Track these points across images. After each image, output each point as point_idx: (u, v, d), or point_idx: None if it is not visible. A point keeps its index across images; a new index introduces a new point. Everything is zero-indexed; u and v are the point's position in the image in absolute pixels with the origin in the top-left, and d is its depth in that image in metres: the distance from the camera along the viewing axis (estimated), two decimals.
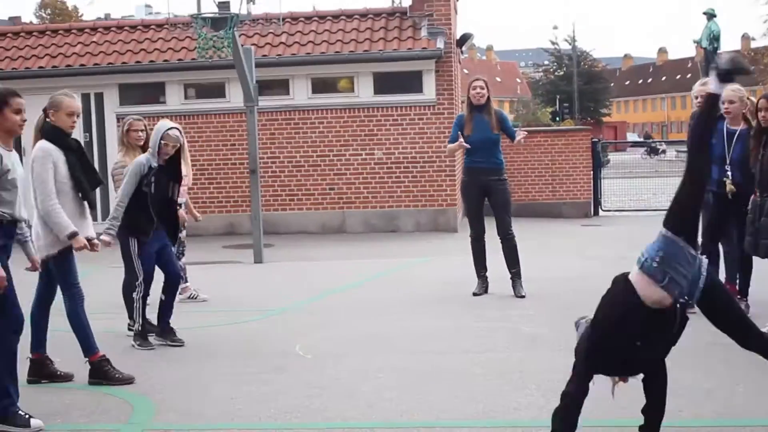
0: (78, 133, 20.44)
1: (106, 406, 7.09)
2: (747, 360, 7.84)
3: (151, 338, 9.32)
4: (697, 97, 10.49)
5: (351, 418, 6.60)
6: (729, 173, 9.57)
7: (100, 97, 20.67)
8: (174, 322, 10.25)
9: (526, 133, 11.88)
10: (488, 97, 11.73)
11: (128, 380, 7.77)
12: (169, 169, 9.20)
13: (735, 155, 9.57)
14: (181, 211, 10.77)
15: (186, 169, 11.42)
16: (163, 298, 9.37)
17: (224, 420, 6.64)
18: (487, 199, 11.72)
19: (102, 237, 8.51)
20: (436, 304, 11.11)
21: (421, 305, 11.12)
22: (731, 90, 9.69)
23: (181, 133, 9.39)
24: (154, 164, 9.08)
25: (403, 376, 7.72)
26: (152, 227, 9.11)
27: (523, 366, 7.92)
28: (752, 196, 8.98)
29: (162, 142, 9.04)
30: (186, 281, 11.79)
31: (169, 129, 9.10)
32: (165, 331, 9.37)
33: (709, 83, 6.05)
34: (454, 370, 7.87)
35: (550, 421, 5.43)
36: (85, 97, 20.58)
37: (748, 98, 9.64)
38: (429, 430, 6.27)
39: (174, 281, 9.48)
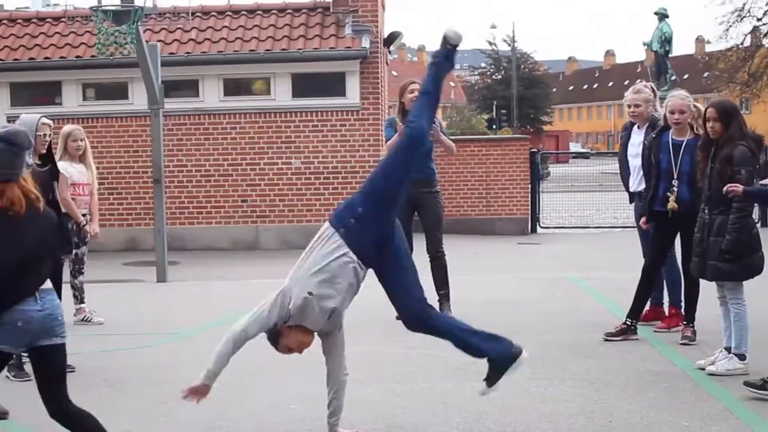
0: None
1: None
2: (694, 395, 8.00)
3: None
4: (629, 106, 10.72)
5: None
6: (675, 188, 9.73)
7: None
8: (68, 346, 10.16)
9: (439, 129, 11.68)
10: None
11: (1, 415, 7.66)
12: (48, 167, 9.12)
13: (684, 167, 9.70)
14: (86, 226, 10.74)
15: (90, 175, 11.45)
16: None
17: None
18: (417, 213, 11.70)
19: None
20: (355, 329, 11.06)
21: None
22: (680, 98, 9.89)
23: (81, 132, 9.50)
24: (30, 161, 8.99)
25: (318, 407, 7.72)
26: None
27: (447, 397, 7.97)
28: (700, 214, 9.10)
29: (38, 134, 8.98)
30: (82, 302, 11.71)
31: (40, 118, 9.10)
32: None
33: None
34: (374, 401, 7.90)
35: None
36: None
37: (694, 106, 9.80)
38: None
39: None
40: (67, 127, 11.70)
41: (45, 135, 9.16)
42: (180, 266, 17.41)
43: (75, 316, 11.68)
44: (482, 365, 9.05)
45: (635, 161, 10.80)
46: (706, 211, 8.89)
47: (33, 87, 20.74)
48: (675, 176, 9.78)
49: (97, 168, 19.74)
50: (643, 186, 10.53)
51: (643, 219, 10.45)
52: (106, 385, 8.67)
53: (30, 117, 9.19)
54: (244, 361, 9.47)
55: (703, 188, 9.06)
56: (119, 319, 12.08)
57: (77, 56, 20.28)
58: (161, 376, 8.93)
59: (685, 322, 10.15)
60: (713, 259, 8.76)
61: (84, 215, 11.38)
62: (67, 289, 11.55)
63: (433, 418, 7.40)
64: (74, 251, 11.27)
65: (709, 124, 8.86)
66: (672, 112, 9.89)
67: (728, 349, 8.78)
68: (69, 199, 11.08)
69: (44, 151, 9.20)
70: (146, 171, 19.51)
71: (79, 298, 11.71)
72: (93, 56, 19.05)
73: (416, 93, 11.51)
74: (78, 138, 11.47)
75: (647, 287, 10.31)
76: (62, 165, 11.10)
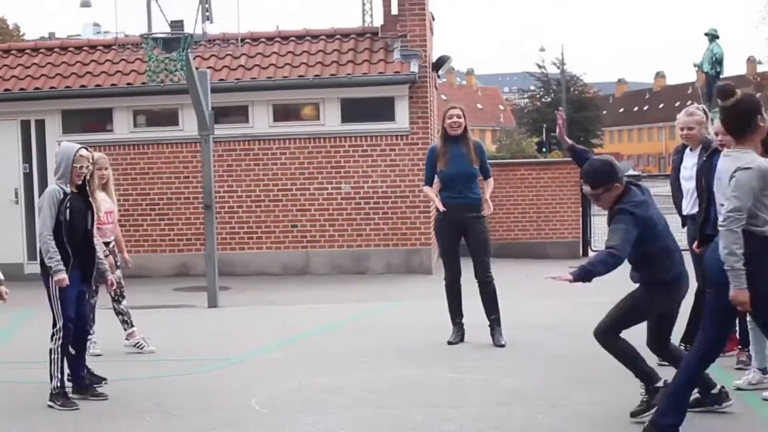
0: (16, 163, 20.45)
1: None
2: (751, 419, 7.89)
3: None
4: (683, 129, 10.60)
5: None
6: None
7: (41, 125, 20.61)
8: (118, 372, 10.25)
9: (490, 208, 11.81)
10: (465, 127, 11.67)
11: None
12: (84, 197, 9.19)
13: None
14: (109, 257, 10.71)
15: (112, 203, 11.45)
16: (71, 350, 9.16)
17: None
18: (464, 238, 11.70)
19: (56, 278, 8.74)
20: (406, 354, 11.10)
21: (390, 355, 11.10)
22: (687, 114, 9.91)
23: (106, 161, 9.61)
24: (68, 191, 9.04)
25: None
26: (70, 263, 9.01)
27: (500, 423, 7.92)
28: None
29: (75, 165, 9.01)
30: (132, 326, 11.72)
31: (79, 150, 9.10)
32: (80, 387, 9.24)
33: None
34: (424, 426, 7.87)
35: None
36: (25, 125, 20.63)
37: None
38: None
39: (81, 330, 9.34)
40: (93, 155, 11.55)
41: (81, 167, 9.10)
42: (231, 291, 17.45)
43: (127, 340, 11.71)
44: (534, 391, 9.01)
45: (688, 184, 10.69)
46: None
47: (84, 114, 20.87)
48: None
49: (148, 194, 20.10)
50: (696, 209, 10.43)
51: (695, 243, 10.36)
52: (158, 410, 8.69)
53: (69, 146, 9.20)
54: (293, 387, 9.50)
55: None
56: (170, 344, 12.12)
57: (128, 83, 20.40)
58: (212, 402, 8.94)
59: (740, 347, 10.03)
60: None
61: (108, 243, 11.34)
62: (112, 317, 11.65)
63: None
64: (109, 277, 11.20)
65: (718, 138, 8.78)
66: (716, 134, 9.85)
67: (763, 371, 8.89)
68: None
69: (80, 182, 9.17)
70: (197, 197, 19.59)
71: (128, 322, 11.71)
72: (143, 83, 19.13)
73: (455, 119, 11.56)
74: (103, 166, 11.19)
75: (700, 311, 10.19)
76: None
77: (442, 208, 11.49)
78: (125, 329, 11.75)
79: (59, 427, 8.19)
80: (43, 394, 8.97)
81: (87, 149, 9.27)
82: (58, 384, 8.97)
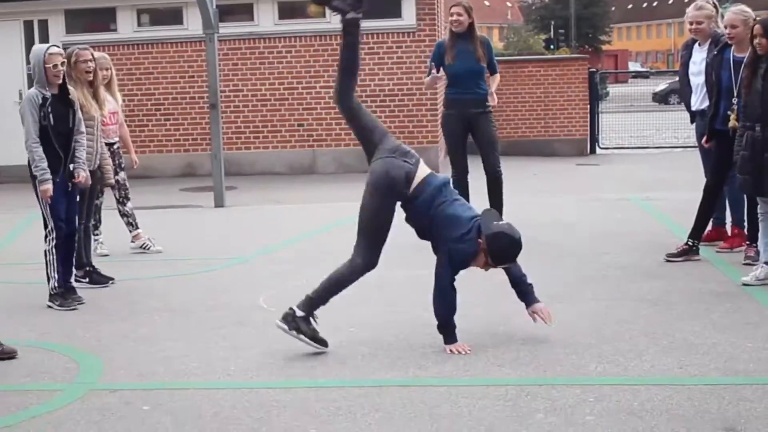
0: (20, 65, 20.30)
1: (50, 365, 7.08)
2: (759, 315, 7.91)
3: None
4: (692, 23, 10.51)
5: (318, 377, 6.61)
6: (735, 106, 9.57)
7: (44, 25, 20.47)
8: (126, 271, 10.31)
9: (495, 100, 11.81)
10: (471, 24, 11.61)
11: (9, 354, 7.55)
12: (64, 98, 9.03)
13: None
14: (108, 159, 10.60)
15: (116, 103, 11.34)
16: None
17: (178, 379, 6.65)
18: (471, 134, 11.69)
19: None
20: (414, 253, 11.04)
21: (397, 253, 11.04)
22: (733, 12, 9.73)
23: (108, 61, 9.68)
24: (47, 94, 8.90)
25: (377, 330, 7.74)
26: (61, 164, 8.92)
27: (508, 321, 7.94)
28: (746, 131, 8.97)
29: (47, 65, 8.85)
30: (137, 227, 11.73)
31: (48, 48, 8.93)
32: (64, 291, 9.14)
33: None
34: (431, 323, 7.87)
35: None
36: (28, 25, 20.50)
37: (755, 20, 9.58)
38: (403, 389, 6.28)
39: (69, 233, 9.18)
40: (72, 47, 11.24)
41: (55, 66, 8.92)
42: (237, 191, 17.45)
43: (132, 242, 11.73)
44: (540, 287, 9.02)
45: (697, 79, 10.61)
46: (758, 128, 8.75)
47: (87, 14, 20.70)
48: (735, 94, 9.62)
49: (153, 94, 19.99)
50: (705, 104, 10.36)
51: (704, 138, 10.32)
52: (166, 309, 8.72)
53: (38, 47, 8.99)
54: (300, 286, 9.53)
55: (749, 104, 8.91)
56: (177, 244, 12.15)
57: None
58: (220, 301, 8.97)
59: (748, 242, 10.04)
60: None
61: (113, 144, 11.27)
62: (119, 217, 11.66)
63: (493, 340, 7.37)
64: (114, 178, 11.19)
65: (756, 41, 8.72)
66: (725, 27, 9.80)
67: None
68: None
69: (59, 82, 9.01)
70: (202, 96, 19.50)
71: (133, 224, 11.72)
72: None
73: (455, 16, 11.50)
74: (104, 66, 11.02)
75: (709, 207, 10.20)
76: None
77: (439, 76, 11.45)
78: (130, 231, 11.77)
79: (68, 326, 8.22)
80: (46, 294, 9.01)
81: (57, 47, 9.09)
82: (56, 284, 8.98)
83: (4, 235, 13.33)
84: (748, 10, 9.85)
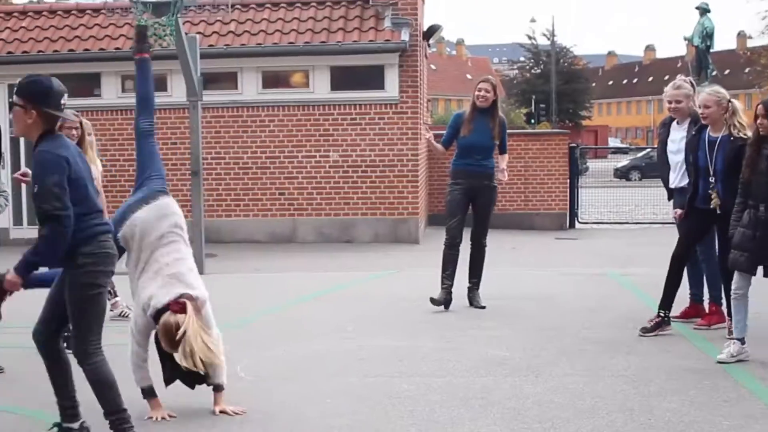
0: (3, 127, 20.28)
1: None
2: (735, 393, 7.91)
3: None
4: (670, 102, 10.63)
5: None
6: (713, 185, 9.65)
7: None
8: (104, 339, 10.20)
9: (506, 176, 12.13)
10: (495, 101, 11.93)
11: None
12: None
13: (718, 165, 9.65)
14: None
15: (96, 170, 11.28)
16: None
17: None
18: (472, 204, 11.90)
19: None
20: (392, 323, 11.10)
21: (375, 324, 11.10)
22: (707, 93, 9.84)
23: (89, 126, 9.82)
24: None
25: (355, 402, 7.69)
26: None
27: (486, 393, 7.91)
28: (747, 209, 9.04)
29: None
30: (115, 296, 11.66)
31: None
32: None
33: None
34: (410, 395, 7.85)
35: None
36: (12, 89, 20.42)
37: (729, 101, 9.70)
38: None
39: None
40: None
41: (70, 129, 9.04)
42: (217, 259, 17.43)
43: (111, 311, 11.66)
44: (520, 361, 9.01)
45: (676, 158, 10.68)
46: (762, 208, 8.80)
47: (72, 79, 20.66)
48: (711, 173, 9.70)
49: (136, 160, 19.97)
50: (684, 182, 10.43)
51: (678, 211, 10.43)
52: None
53: None
54: (278, 355, 9.49)
55: (754, 183, 8.96)
56: None
57: (117, 48, 20.29)
58: None
59: (729, 317, 10.06)
60: None
61: None
62: None
63: (470, 413, 7.34)
64: None
65: (758, 121, 8.82)
66: (699, 107, 9.91)
67: (741, 340, 8.95)
68: None
69: None
70: (184, 163, 19.49)
71: (112, 292, 11.65)
72: (132, 48, 19.02)
73: (483, 92, 11.73)
74: (72, 125, 10.68)
75: (676, 275, 10.23)
76: None
77: (435, 145, 12.18)
78: (108, 299, 11.69)
79: (45, 389, 8.14)
80: (13, 359, 8.94)
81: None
82: None
83: None
84: (722, 90, 9.94)
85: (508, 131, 12.35)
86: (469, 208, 11.96)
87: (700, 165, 9.88)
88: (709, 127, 9.80)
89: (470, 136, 11.76)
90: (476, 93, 11.84)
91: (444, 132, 12.36)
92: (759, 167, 8.88)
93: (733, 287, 9.08)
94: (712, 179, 9.69)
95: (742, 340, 8.93)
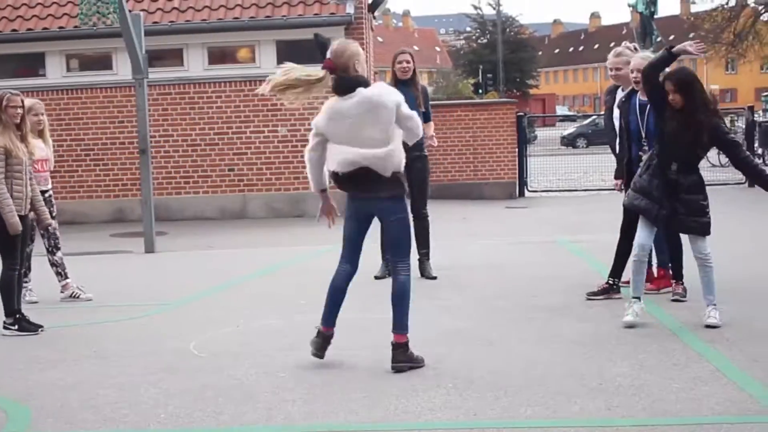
0: None
1: None
2: (684, 356, 7.99)
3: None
4: (611, 69, 10.71)
5: (249, 422, 6.57)
6: (646, 147, 9.77)
7: None
8: (55, 318, 10.20)
9: (433, 138, 12.18)
10: (414, 71, 11.99)
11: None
12: None
13: (650, 126, 9.74)
14: (41, 201, 10.38)
15: (48, 150, 11.26)
16: None
17: (108, 427, 6.57)
18: (407, 176, 11.82)
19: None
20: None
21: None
22: (639, 58, 9.96)
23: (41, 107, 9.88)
24: None
25: (307, 376, 7.70)
26: None
27: (438, 363, 7.94)
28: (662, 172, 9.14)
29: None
30: (66, 277, 11.60)
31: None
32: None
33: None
34: (363, 367, 7.87)
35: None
36: None
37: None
38: None
39: None
40: (28, 101, 11.31)
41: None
42: (168, 236, 17.37)
43: (62, 293, 11.59)
44: (472, 330, 9.06)
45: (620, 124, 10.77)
46: (676, 171, 8.85)
47: (16, 59, 20.57)
48: (644, 136, 9.81)
49: (83, 139, 19.87)
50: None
51: (616, 182, 10.58)
52: (96, 357, 8.62)
53: None
54: (232, 331, 9.48)
55: (673, 149, 9.02)
56: (108, 291, 12.02)
57: (60, 27, 20.12)
58: (151, 347, 8.89)
59: (674, 280, 10.17)
60: (691, 215, 8.83)
61: (46, 191, 11.14)
62: (46, 267, 11.53)
63: (424, 383, 7.37)
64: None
65: (670, 97, 8.86)
66: (632, 71, 10.03)
67: (638, 299, 9.12)
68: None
69: None
70: (132, 141, 19.42)
71: (62, 273, 11.58)
72: (76, 27, 18.82)
73: (404, 64, 11.74)
74: (38, 112, 11.09)
75: (624, 244, 10.31)
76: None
77: None
78: (59, 281, 11.64)
79: (8, 365, 8.11)
80: None
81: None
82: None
83: None
84: (652, 55, 10.05)
85: (456, 102, 12.42)
86: None
87: (632, 129, 10.02)
88: (639, 92, 9.93)
89: None
90: (397, 65, 11.92)
91: None
92: (671, 127, 8.92)
93: (635, 247, 9.14)
94: (644, 142, 9.80)
95: (639, 299, 9.02)
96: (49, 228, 11.20)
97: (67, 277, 11.60)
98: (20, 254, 9.76)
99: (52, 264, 11.53)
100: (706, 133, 8.71)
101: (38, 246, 11.50)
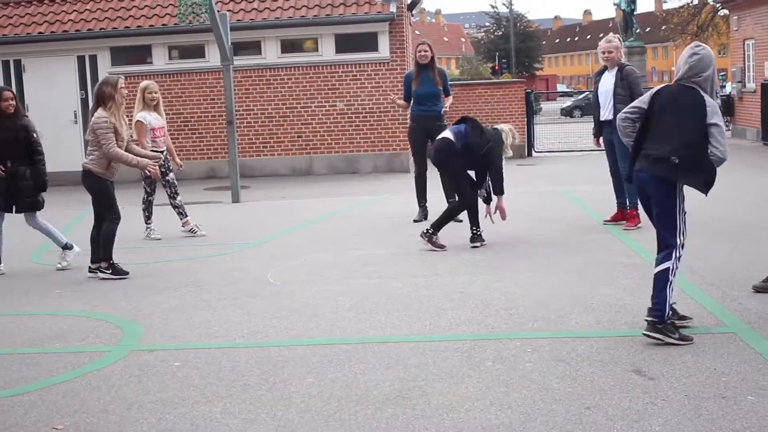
0: (75, 91, 20.19)
1: (99, 330, 7.00)
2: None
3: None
4: (603, 53, 10.86)
5: (315, 336, 6.56)
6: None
7: (93, 59, 20.32)
8: (160, 255, 10.22)
9: (446, 110, 12.17)
10: (432, 57, 12.09)
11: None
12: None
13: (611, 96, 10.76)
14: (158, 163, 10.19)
15: (163, 120, 11.42)
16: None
17: (202, 340, 6.58)
18: (430, 141, 11.90)
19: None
20: (389, 236, 11.07)
21: (376, 237, 11.07)
22: (606, 42, 10.77)
23: (155, 86, 10.98)
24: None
25: (360, 299, 7.68)
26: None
27: (463, 288, 7.90)
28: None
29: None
30: (185, 216, 11.68)
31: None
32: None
33: None
34: (403, 292, 7.84)
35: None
36: (81, 59, 20.32)
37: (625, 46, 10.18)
38: (381, 345, 6.23)
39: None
40: (144, 83, 11.47)
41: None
42: (250, 190, 17.36)
43: (183, 227, 11.68)
44: (490, 262, 9.00)
45: (605, 96, 10.81)
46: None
47: (129, 50, 20.51)
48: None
49: (182, 113, 19.88)
50: (611, 116, 10.56)
51: (594, 140, 11.28)
52: (193, 285, 8.64)
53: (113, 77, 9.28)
54: (300, 264, 9.46)
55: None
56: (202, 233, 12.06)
57: (163, 24, 20.04)
58: (236, 278, 8.89)
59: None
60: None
61: (162, 151, 11.24)
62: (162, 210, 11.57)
63: (451, 304, 7.33)
64: (166, 178, 11.35)
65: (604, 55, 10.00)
66: (602, 52, 10.76)
67: None
68: (144, 143, 10.98)
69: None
70: (221, 115, 19.41)
71: (183, 213, 11.67)
72: (176, 24, 18.77)
73: (422, 52, 11.93)
74: (153, 91, 11.32)
75: (620, 184, 10.85)
76: (141, 114, 11.12)
77: (399, 102, 12.50)
78: (180, 219, 11.72)
79: (113, 300, 8.13)
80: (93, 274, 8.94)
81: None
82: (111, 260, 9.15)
83: (61, 227, 13.21)
84: (616, 39, 10.81)
85: (477, 81, 12.54)
86: (428, 143, 11.99)
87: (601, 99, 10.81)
88: (607, 69, 10.66)
89: (419, 88, 11.98)
90: (418, 54, 12.03)
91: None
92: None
93: None
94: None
95: None
96: (168, 179, 11.35)
97: (186, 216, 11.68)
98: (118, 210, 9.36)
99: (174, 207, 11.63)
100: None
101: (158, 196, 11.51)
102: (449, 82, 12.57)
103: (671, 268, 5.97)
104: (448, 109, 12.16)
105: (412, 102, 12.15)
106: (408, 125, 12.53)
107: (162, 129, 11.37)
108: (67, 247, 9.83)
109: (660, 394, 4.99)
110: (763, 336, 6.03)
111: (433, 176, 11.96)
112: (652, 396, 4.97)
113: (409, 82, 12.13)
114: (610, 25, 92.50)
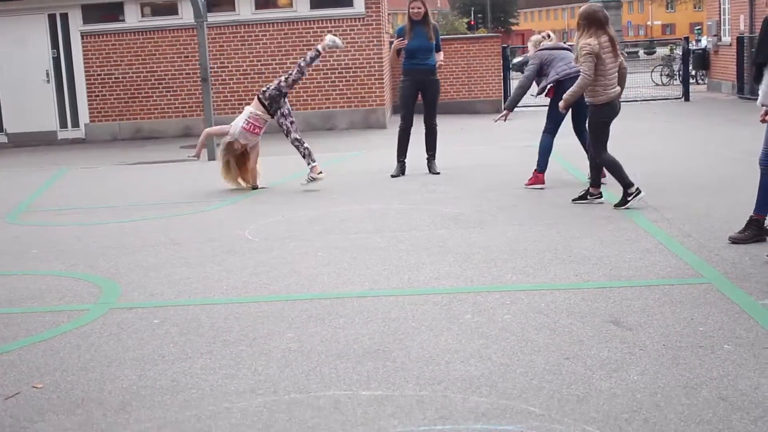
0: (46, 50, 19.95)
1: (77, 289, 6.97)
2: (635, 233, 7.94)
3: None
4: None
5: (294, 291, 6.56)
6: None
7: (65, 17, 20.02)
8: (136, 214, 10.17)
9: (442, 63, 12.32)
10: (426, 12, 12.15)
11: None
12: None
13: None
14: None
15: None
16: None
17: (181, 297, 6.57)
18: (421, 95, 12.01)
19: None
20: (367, 191, 11.06)
21: (354, 193, 11.07)
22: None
23: None
24: None
25: (339, 254, 7.68)
26: None
27: (442, 242, 7.92)
28: None
29: None
30: (314, 161, 11.68)
31: None
32: None
33: None
34: (382, 247, 7.85)
35: None
36: (51, 17, 20.04)
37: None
38: (361, 299, 6.24)
39: None
40: None
41: None
42: None
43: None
44: (469, 216, 9.01)
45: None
46: None
47: (100, 7, 20.22)
48: None
49: (155, 71, 19.69)
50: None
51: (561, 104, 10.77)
52: (170, 243, 8.61)
53: None
54: (278, 220, 9.44)
55: None
56: (178, 191, 12.01)
57: None
58: (213, 235, 8.87)
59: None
60: None
61: None
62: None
63: (431, 258, 7.34)
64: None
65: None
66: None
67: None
68: None
69: None
70: (195, 72, 19.23)
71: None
72: None
73: (416, 9, 11.85)
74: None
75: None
76: None
77: (400, 45, 11.99)
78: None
79: (91, 258, 8.09)
80: (69, 235, 8.87)
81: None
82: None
83: (36, 187, 13.13)
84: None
85: (453, 36, 12.53)
86: (418, 98, 12.10)
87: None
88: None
89: (412, 42, 11.92)
90: (411, 11, 12.05)
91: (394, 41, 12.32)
92: None
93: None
94: None
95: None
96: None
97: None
98: None
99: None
100: None
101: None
102: None
103: None
104: (443, 63, 12.28)
105: (404, 56, 12.07)
106: (401, 79, 12.42)
107: None
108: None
109: (638, 344, 5.03)
110: (739, 286, 6.09)
111: (418, 131, 12.00)
112: (630, 346, 5.01)
113: (402, 36, 12.05)
114: None
